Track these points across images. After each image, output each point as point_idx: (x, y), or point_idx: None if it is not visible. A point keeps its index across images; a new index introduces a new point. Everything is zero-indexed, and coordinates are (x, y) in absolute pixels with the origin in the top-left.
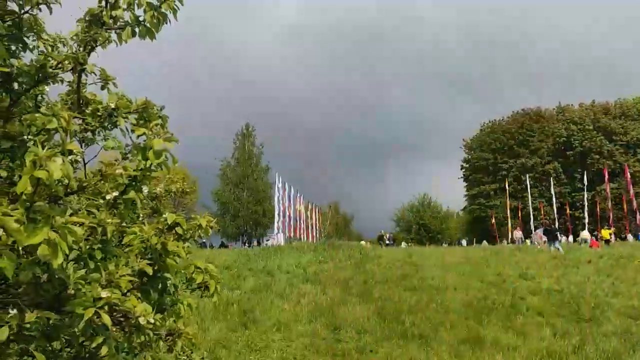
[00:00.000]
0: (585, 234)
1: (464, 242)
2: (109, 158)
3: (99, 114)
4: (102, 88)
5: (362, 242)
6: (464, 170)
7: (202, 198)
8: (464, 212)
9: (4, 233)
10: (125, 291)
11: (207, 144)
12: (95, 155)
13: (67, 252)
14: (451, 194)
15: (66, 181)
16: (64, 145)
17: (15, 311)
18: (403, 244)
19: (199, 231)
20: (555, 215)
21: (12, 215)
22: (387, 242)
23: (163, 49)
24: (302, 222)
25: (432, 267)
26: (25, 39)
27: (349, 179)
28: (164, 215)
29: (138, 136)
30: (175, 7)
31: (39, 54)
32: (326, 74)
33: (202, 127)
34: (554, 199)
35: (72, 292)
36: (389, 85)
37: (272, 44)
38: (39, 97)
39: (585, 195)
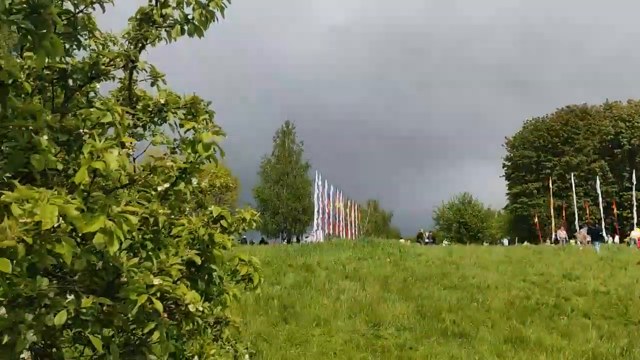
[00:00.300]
0: (635, 233)
1: (505, 241)
2: (156, 154)
3: (149, 109)
4: (152, 84)
5: (401, 240)
6: (505, 168)
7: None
8: (506, 211)
9: (62, 221)
10: (176, 279)
11: (235, 141)
12: (144, 151)
13: (123, 240)
14: (486, 192)
15: (122, 172)
16: (119, 137)
17: (72, 297)
18: (445, 242)
19: (243, 224)
20: (602, 215)
21: (72, 204)
22: (427, 240)
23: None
24: (341, 219)
25: (472, 266)
26: (79, 37)
27: (387, 177)
28: (209, 208)
29: (186, 131)
30: (222, 4)
31: (90, 52)
32: (366, 71)
33: (236, 125)
34: (600, 198)
35: (125, 279)
36: (429, 82)
37: (311, 41)
38: (91, 94)
39: (634, 195)
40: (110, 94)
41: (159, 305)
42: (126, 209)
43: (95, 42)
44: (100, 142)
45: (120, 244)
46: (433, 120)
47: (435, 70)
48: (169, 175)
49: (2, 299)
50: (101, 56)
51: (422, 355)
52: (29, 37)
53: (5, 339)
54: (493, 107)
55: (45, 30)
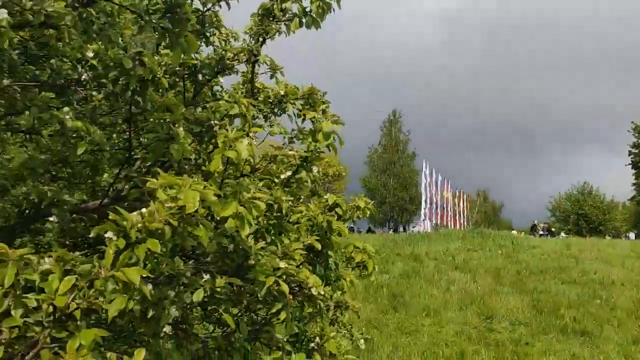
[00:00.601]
0: None
1: (631, 235)
2: (273, 144)
3: (270, 101)
4: (271, 77)
5: (513, 232)
6: (632, 156)
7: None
8: (632, 203)
9: (200, 206)
10: (298, 264)
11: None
12: (262, 141)
13: (253, 224)
14: (609, 182)
15: (252, 160)
16: (249, 128)
17: (208, 276)
18: (562, 235)
19: (358, 212)
20: None
21: (211, 190)
22: (541, 232)
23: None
24: (449, 209)
25: (593, 260)
26: (207, 34)
27: (498, 167)
28: (325, 197)
29: (303, 120)
30: None
31: (215, 48)
32: (478, 57)
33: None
34: None
35: (252, 262)
36: (544, 69)
37: (423, 27)
38: (215, 87)
39: None
40: (232, 87)
41: (285, 288)
42: (255, 195)
43: (218, 38)
44: (231, 132)
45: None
46: (549, 107)
47: (550, 56)
48: (291, 164)
49: (151, 276)
50: (224, 51)
51: (540, 351)
52: (166, 35)
53: (150, 313)
54: (615, 93)
55: (180, 29)
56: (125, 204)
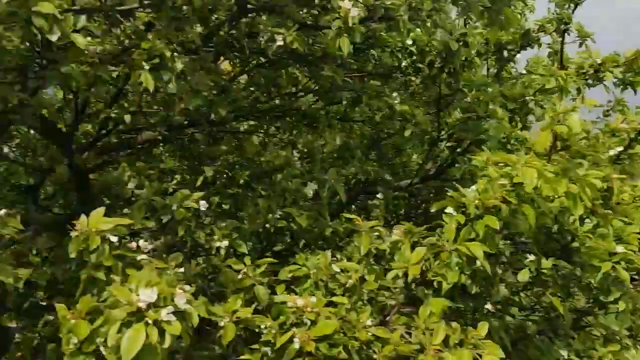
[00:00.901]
0: None
1: None
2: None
3: (582, 71)
4: (580, 45)
5: None
6: None
7: None
8: None
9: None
10: (637, 249)
11: None
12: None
13: (589, 204)
14: None
15: (584, 135)
16: (583, 100)
17: (532, 257)
18: None
19: None
20: None
21: (547, 167)
22: None
23: None
24: None
25: None
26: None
27: None
28: None
29: (622, 90)
30: None
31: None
32: None
33: None
34: None
35: (577, 244)
36: None
37: None
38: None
39: None
40: (530, 60)
41: (625, 275)
42: (591, 173)
43: (513, 12)
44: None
45: None
46: None
47: None
48: (622, 138)
49: (491, 252)
50: (533, 24)
51: None
52: (484, 13)
53: (474, 289)
54: None
55: (501, 6)
56: (440, 182)
